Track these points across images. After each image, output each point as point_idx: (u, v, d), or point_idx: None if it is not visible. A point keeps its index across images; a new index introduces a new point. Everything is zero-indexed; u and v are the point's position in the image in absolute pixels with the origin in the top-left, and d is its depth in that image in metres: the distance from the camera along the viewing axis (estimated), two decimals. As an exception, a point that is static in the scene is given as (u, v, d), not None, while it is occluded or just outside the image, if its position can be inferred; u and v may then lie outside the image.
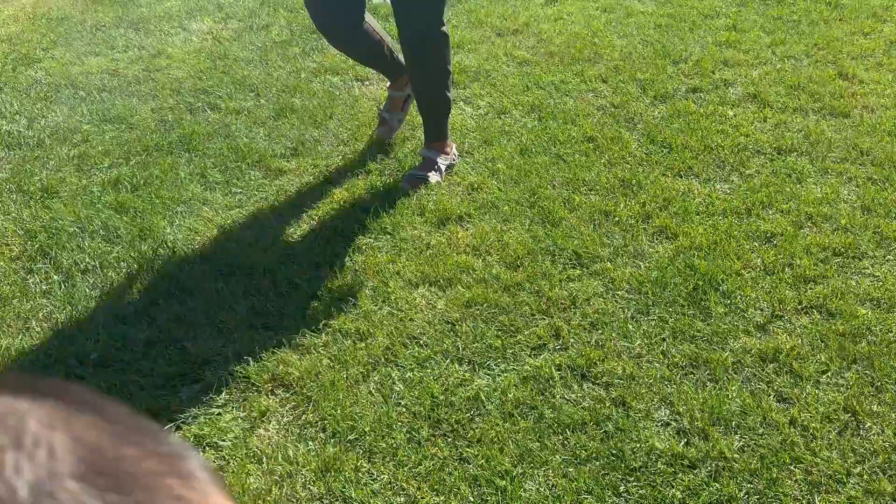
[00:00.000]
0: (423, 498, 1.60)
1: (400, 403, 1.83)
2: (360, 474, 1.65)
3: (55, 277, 2.27)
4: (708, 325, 2.03)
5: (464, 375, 1.90)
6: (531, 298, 2.13)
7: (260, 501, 1.60)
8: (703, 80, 3.26)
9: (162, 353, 1.99)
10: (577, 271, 2.24)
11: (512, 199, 2.56)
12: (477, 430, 1.75)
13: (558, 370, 1.91)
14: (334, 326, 2.06)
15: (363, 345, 2.00)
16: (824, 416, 1.77)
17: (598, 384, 1.88)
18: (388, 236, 2.41)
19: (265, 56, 3.62)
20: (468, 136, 2.92)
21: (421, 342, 2.01)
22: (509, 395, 1.84)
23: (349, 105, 3.19)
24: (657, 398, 1.83)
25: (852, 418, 1.76)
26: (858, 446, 1.70)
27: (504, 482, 1.62)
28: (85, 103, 3.24)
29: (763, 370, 1.90)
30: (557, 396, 1.84)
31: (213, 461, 1.69)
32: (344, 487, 1.62)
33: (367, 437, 1.74)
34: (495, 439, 1.73)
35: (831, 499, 1.59)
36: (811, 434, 1.73)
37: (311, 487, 1.64)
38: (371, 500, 1.59)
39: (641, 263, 2.26)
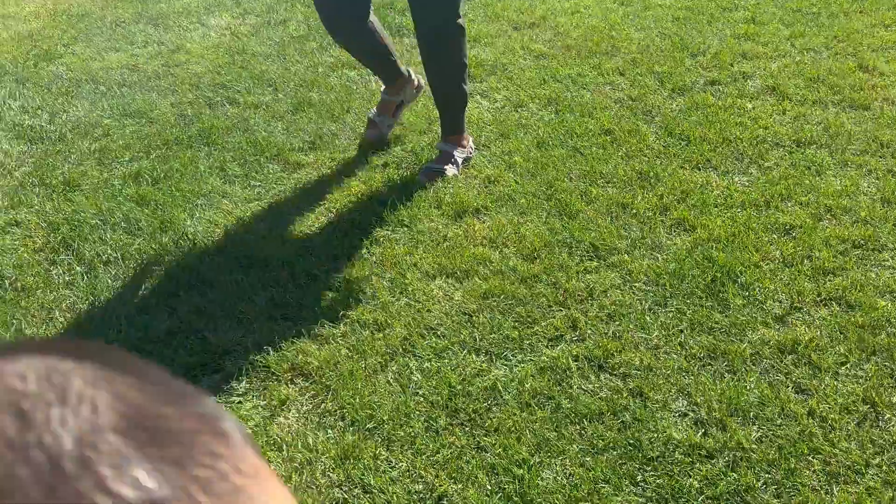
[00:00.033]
0: (441, 485, 1.61)
1: (418, 393, 1.84)
2: (378, 462, 1.67)
3: (78, 269, 2.30)
4: (726, 316, 2.03)
5: (481, 366, 1.91)
6: (548, 290, 2.14)
7: (280, 488, 1.62)
8: (722, 72, 3.24)
9: (183, 344, 2.01)
10: (595, 263, 2.24)
11: (529, 191, 2.56)
12: (494, 420, 1.76)
13: (575, 361, 1.91)
14: (352, 317, 2.08)
15: (381, 335, 2.01)
16: (843, 407, 1.76)
17: (615, 375, 1.88)
18: (406, 229, 2.42)
19: (283, 51, 3.64)
20: (485, 130, 2.92)
21: (438, 333, 2.02)
22: (526, 386, 1.84)
23: (366, 99, 3.20)
24: (675, 389, 1.83)
25: (871, 409, 1.76)
26: (877, 437, 1.69)
27: (521, 471, 1.63)
28: (105, 98, 3.27)
29: (781, 361, 1.89)
30: (574, 387, 1.84)
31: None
32: (363, 475, 1.64)
33: (386, 426, 1.75)
34: (512, 428, 1.74)
35: (850, 489, 1.59)
36: (830, 425, 1.72)
37: (331, 474, 1.65)
38: (390, 488, 1.61)
39: (659, 255, 2.26)
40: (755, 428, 1.72)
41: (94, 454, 0.24)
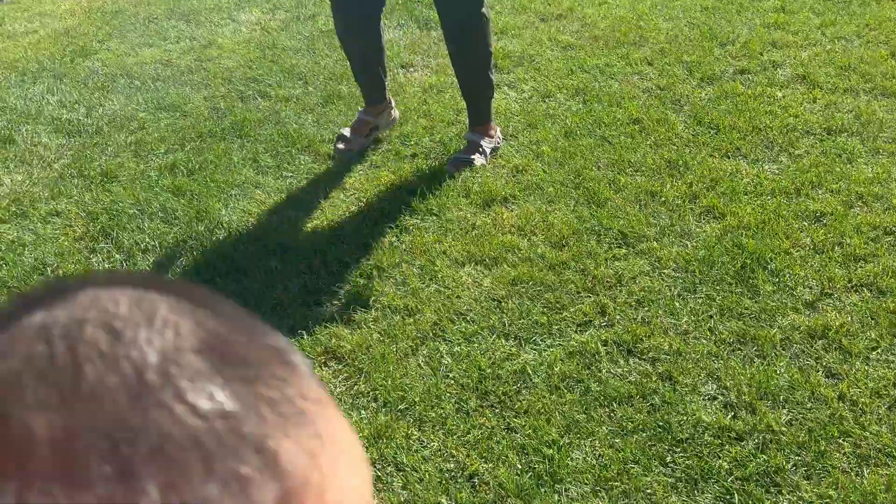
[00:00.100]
0: (472, 464, 1.64)
1: (448, 376, 1.87)
2: (410, 441, 1.70)
3: (117, 256, 2.37)
4: (756, 302, 2.03)
5: (510, 350, 1.94)
6: (577, 277, 2.16)
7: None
8: (751, 61, 3.23)
9: (219, 328, 2.06)
10: (623, 250, 2.25)
11: (557, 180, 2.58)
12: (524, 402, 1.79)
13: (604, 346, 1.93)
14: (383, 303, 2.11)
15: (412, 320, 2.04)
16: (874, 391, 1.76)
17: (644, 359, 1.89)
18: (435, 217, 2.45)
19: (312, 45, 3.69)
20: (512, 120, 2.94)
21: (468, 318, 2.04)
22: (555, 369, 1.87)
23: (394, 92, 3.23)
24: (704, 373, 1.84)
25: (903, 394, 1.75)
26: (909, 421, 1.69)
27: (551, 451, 1.66)
28: (140, 92, 3.35)
29: (812, 346, 1.89)
30: (603, 371, 1.86)
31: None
32: (395, 454, 1.67)
33: (417, 407, 1.78)
34: (542, 410, 1.76)
35: (880, 472, 1.59)
36: (860, 409, 1.72)
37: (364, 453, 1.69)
38: (422, 466, 1.64)
39: (688, 243, 2.27)
40: (785, 411, 1.73)
41: (175, 369, 0.27)
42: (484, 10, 2.61)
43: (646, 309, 2.04)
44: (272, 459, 0.26)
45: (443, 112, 3.02)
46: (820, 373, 1.82)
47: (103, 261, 2.36)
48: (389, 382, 1.85)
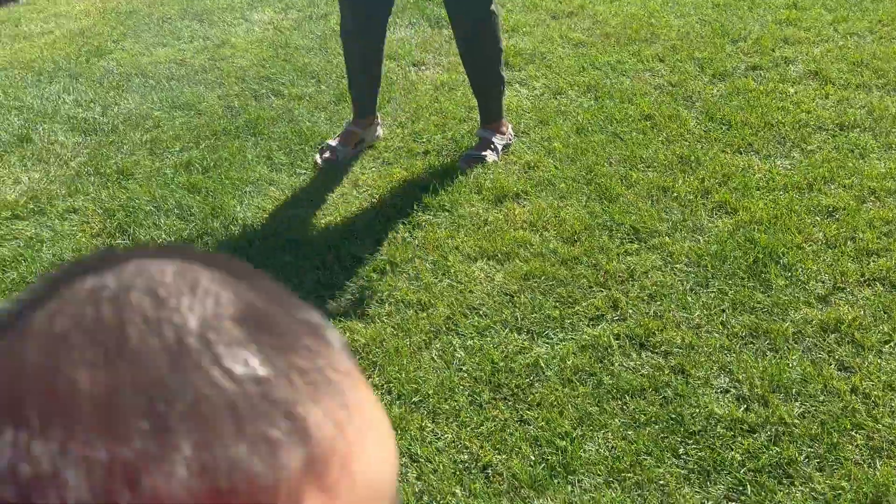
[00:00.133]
0: (485, 456, 1.65)
1: (461, 369, 1.89)
2: (424, 433, 1.72)
3: (133, 252, 2.39)
4: (768, 296, 2.03)
5: (523, 344, 1.95)
6: (589, 271, 2.17)
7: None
8: (763, 58, 3.23)
9: (234, 322, 2.08)
10: (635, 245, 2.26)
11: (568, 176, 2.59)
12: (537, 395, 1.80)
13: (616, 339, 1.94)
14: (397, 297, 2.13)
15: (425, 314, 2.06)
16: (886, 384, 1.76)
17: (656, 353, 1.90)
18: (447, 213, 2.47)
19: (324, 44, 3.72)
20: (524, 117, 2.96)
21: (480, 312, 2.06)
22: (568, 363, 1.88)
23: (406, 89, 3.25)
24: (716, 366, 1.85)
25: (916, 387, 1.75)
26: (923, 414, 1.69)
27: (564, 443, 1.67)
28: (155, 91, 3.38)
29: (824, 340, 1.90)
30: (616, 364, 1.87)
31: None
32: (410, 445, 1.69)
33: (431, 400, 1.80)
34: (555, 403, 1.77)
35: (893, 463, 1.59)
36: (873, 401, 1.73)
37: (378, 446, 1.71)
38: (436, 457, 1.66)
39: (700, 238, 2.27)
40: (797, 404, 1.73)
41: (214, 335, 0.28)
42: (493, 7, 2.62)
43: (658, 303, 2.04)
44: (301, 425, 0.27)
45: (455, 109, 3.04)
46: (832, 366, 1.83)
47: (120, 257, 2.39)
48: (403, 375, 1.87)
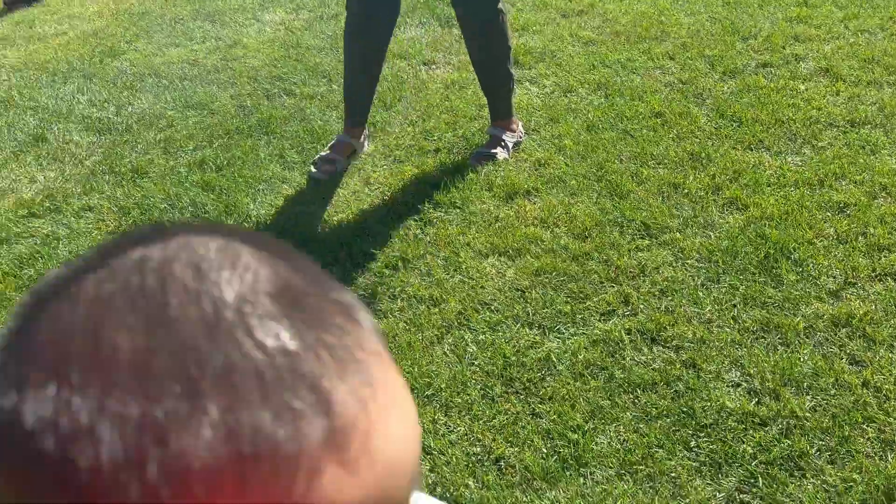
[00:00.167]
0: (497, 448, 1.67)
1: (473, 363, 1.90)
2: (437, 426, 1.73)
3: (148, 249, 2.42)
4: (779, 291, 2.04)
5: (534, 338, 1.96)
6: (600, 267, 2.18)
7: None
8: (774, 55, 3.23)
9: (248, 318, 2.10)
10: (646, 241, 2.27)
11: (579, 173, 2.60)
12: (548, 389, 1.81)
13: (628, 334, 1.95)
14: (409, 293, 2.15)
15: (437, 310, 2.08)
16: (899, 378, 1.77)
17: (668, 347, 1.91)
18: (458, 210, 2.48)
19: (335, 44, 3.74)
20: (534, 115, 2.97)
21: (492, 307, 2.07)
22: (579, 357, 1.89)
23: (417, 88, 3.27)
24: (728, 361, 1.85)
25: (928, 381, 1.75)
26: (935, 407, 1.69)
27: (576, 436, 1.68)
28: (168, 91, 3.41)
29: (836, 334, 1.90)
30: (627, 358, 1.88)
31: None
32: (423, 438, 1.70)
33: (444, 393, 1.82)
34: (566, 397, 1.78)
35: (906, 456, 1.59)
36: (884, 395, 1.73)
37: (391, 439, 1.72)
38: (449, 450, 1.67)
39: (711, 233, 2.28)
40: (809, 397, 1.74)
41: (249, 308, 0.30)
42: (500, 5, 2.63)
43: (669, 298, 2.05)
44: (324, 398, 0.28)
45: (465, 108, 3.05)
46: (844, 360, 1.83)
47: (135, 253, 2.41)
48: (416, 370, 1.89)
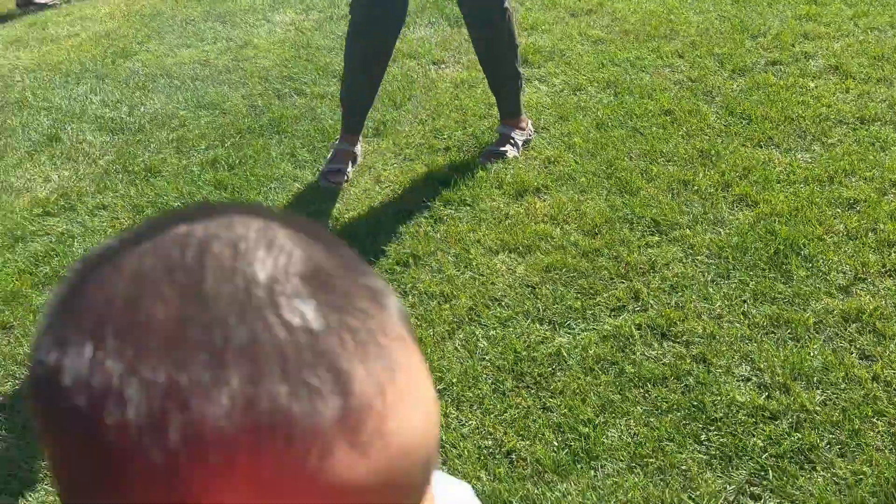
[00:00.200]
0: (509, 441, 1.68)
1: (484, 358, 1.91)
2: (449, 420, 1.74)
3: (161, 247, 2.44)
4: (789, 287, 2.05)
5: (545, 334, 1.97)
6: (610, 263, 2.19)
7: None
8: (783, 53, 3.23)
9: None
10: (656, 238, 2.28)
11: (589, 170, 2.61)
12: (559, 383, 1.82)
13: (638, 329, 1.96)
14: (420, 289, 2.16)
15: (448, 306, 2.09)
16: (909, 372, 1.77)
17: (678, 342, 1.92)
18: (468, 207, 2.50)
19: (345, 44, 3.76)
20: (544, 113, 2.98)
21: (503, 303, 2.09)
22: (590, 352, 1.90)
23: (427, 87, 3.29)
24: (738, 355, 1.86)
25: (939, 375, 1.76)
26: (945, 401, 1.70)
27: (587, 429, 1.69)
28: (180, 91, 3.44)
29: (846, 329, 1.91)
30: (638, 353, 1.89)
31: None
32: (434, 431, 1.72)
33: (455, 388, 1.83)
34: (577, 391, 1.80)
35: (916, 449, 1.60)
36: (894, 389, 1.73)
37: (404, 432, 1.74)
38: (461, 443, 1.69)
39: (721, 230, 2.28)
40: (819, 391, 1.75)
41: (279, 287, 0.31)
42: (506, 4, 2.63)
43: (679, 294, 2.06)
44: (342, 378, 0.29)
45: (474, 106, 3.07)
46: (854, 355, 1.83)
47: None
48: (427, 365, 1.90)
